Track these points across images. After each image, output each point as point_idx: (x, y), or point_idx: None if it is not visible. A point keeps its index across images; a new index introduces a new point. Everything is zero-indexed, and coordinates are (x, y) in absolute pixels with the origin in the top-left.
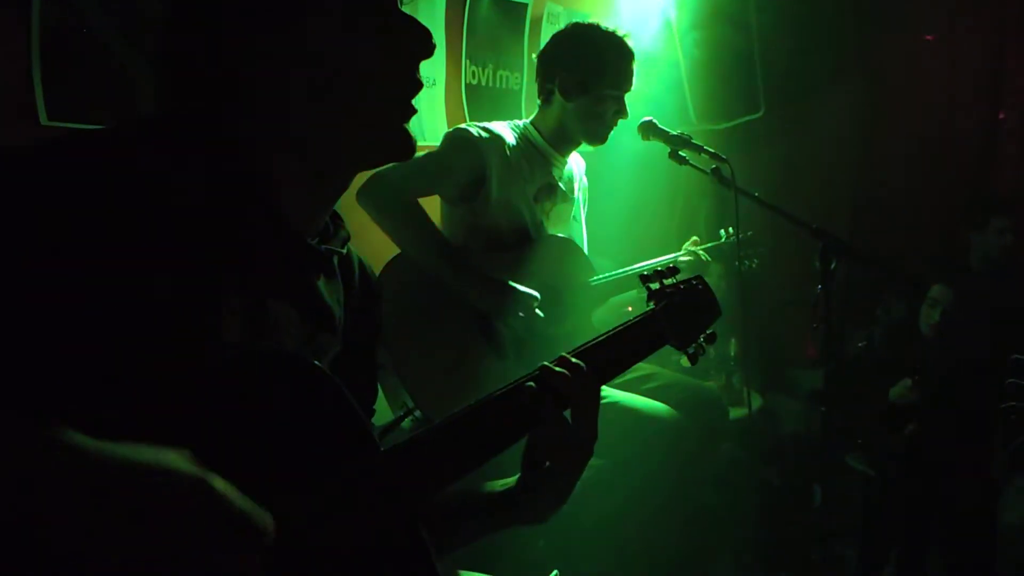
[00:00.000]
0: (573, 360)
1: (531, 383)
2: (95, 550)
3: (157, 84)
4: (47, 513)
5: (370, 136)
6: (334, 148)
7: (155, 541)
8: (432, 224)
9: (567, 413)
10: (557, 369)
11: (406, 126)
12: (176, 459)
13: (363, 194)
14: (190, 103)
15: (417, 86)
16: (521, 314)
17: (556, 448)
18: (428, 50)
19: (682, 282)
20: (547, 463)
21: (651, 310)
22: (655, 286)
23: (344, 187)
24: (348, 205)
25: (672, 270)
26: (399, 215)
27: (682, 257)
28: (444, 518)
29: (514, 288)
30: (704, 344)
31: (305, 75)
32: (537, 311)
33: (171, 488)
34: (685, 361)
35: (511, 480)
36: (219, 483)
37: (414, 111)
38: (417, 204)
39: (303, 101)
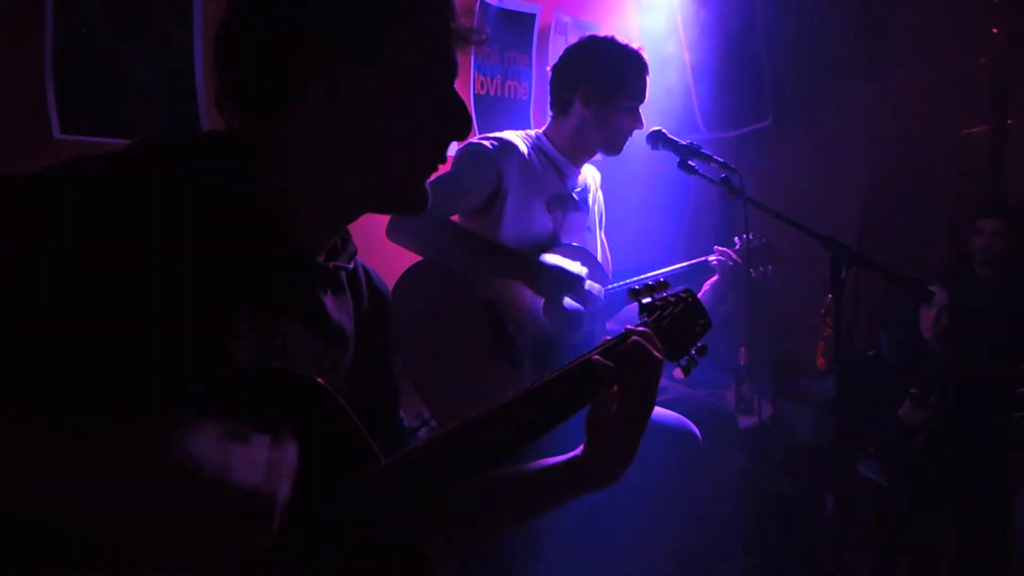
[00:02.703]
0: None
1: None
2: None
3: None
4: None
5: (387, 189)
6: (351, 190)
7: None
8: (469, 232)
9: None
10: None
11: (423, 183)
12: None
13: (393, 230)
14: (231, 115)
15: (443, 159)
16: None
17: (617, 411)
18: (464, 135)
19: (671, 295)
20: (610, 426)
21: (642, 323)
22: (646, 300)
23: (353, 220)
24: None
25: (662, 284)
26: (434, 237)
27: (712, 259)
28: (505, 499)
29: (578, 276)
30: (696, 357)
31: (346, 117)
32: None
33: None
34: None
35: (571, 455)
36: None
37: (435, 171)
38: (448, 220)
39: (335, 140)
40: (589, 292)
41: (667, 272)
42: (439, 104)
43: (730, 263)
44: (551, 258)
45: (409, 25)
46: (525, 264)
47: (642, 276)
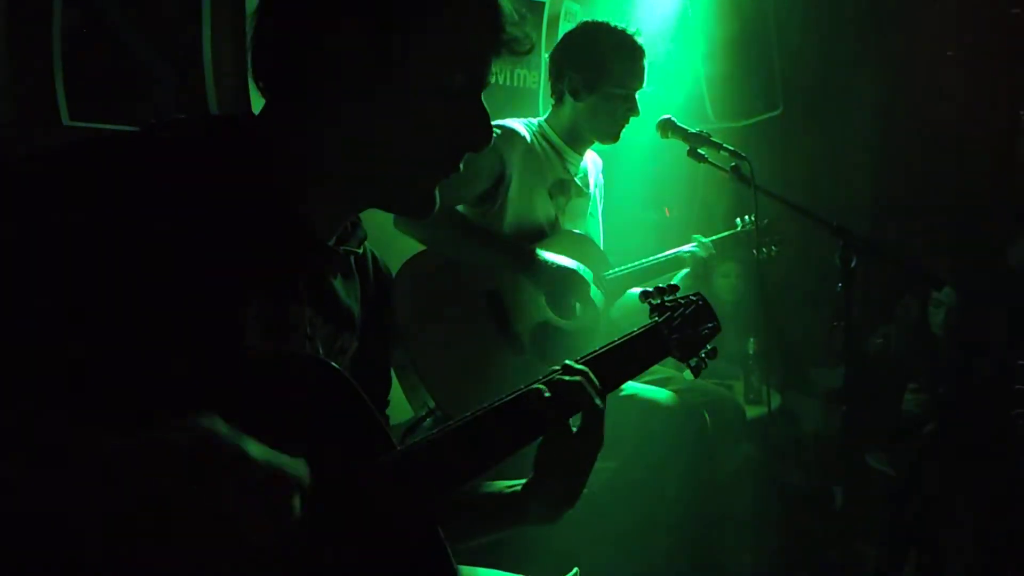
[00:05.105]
0: (580, 367)
1: (541, 387)
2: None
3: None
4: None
5: (397, 191)
6: (360, 187)
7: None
8: (474, 224)
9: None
10: (567, 378)
11: (432, 190)
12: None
13: (400, 220)
14: (268, 96)
15: (456, 169)
16: (578, 302)
17: (563, 453)
18: (482, 148)
19: (682, 297)
20: (555, 467)
21: (654, 323)
22: (656, 301)
23: (363, 210)
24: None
25: (673, 288)
26: (445, 227)
27: (685, 248)
28: (453, 516)
29: (577, 271)
30: (706, 358)
31: (364, 115)
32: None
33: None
34: (688, 374)
35: (518, 482)
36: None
37: (445, 178)
38: (455, 211)
39: (349, 137)
40: (586, 286)
41: (646, 263)
42: (461, 114)
43: (701, 255)
44: (550, 254)
45: (439, 29)
46: (527, 260)
47: (632, 264)
